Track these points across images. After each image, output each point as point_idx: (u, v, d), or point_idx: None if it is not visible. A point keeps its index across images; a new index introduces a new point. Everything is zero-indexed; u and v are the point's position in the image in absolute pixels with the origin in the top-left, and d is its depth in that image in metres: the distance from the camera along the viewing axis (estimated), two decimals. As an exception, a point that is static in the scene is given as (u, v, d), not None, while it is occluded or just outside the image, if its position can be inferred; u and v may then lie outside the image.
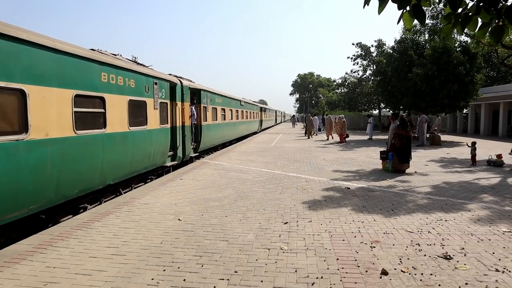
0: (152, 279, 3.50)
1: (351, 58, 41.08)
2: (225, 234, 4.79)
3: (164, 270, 3.69)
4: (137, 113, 8.34)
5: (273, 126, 54.08)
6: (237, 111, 22.39)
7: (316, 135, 27.76)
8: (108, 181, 7.18)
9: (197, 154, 13.66)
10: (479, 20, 3.30)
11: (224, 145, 19.50)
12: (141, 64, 9.60)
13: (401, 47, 23.02)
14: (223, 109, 18.06)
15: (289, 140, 23.20)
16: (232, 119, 20.58)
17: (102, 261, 3.95)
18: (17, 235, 5.29)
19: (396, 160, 9.87)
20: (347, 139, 21.50)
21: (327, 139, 23.54)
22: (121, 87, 7.60)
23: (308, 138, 24.87)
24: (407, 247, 4.29)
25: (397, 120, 10.37)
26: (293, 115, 63.29)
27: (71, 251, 4.25)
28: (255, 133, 31.99)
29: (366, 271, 3.62)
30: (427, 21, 22.19)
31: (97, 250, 4.26)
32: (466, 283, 3.35)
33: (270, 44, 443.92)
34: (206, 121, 14.28)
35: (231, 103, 20.30)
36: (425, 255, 4.02)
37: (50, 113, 5.47)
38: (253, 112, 31.06)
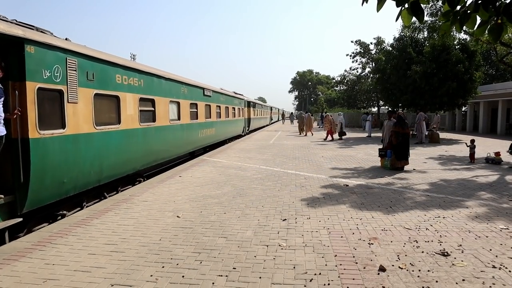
0: (151, 275, 3.51)
1: (350, 56, 41.02)
2: (224, 231, 4.80)
3: (163, 267, 3.71)
4: None
5: (267, 125, 45.51)
6: (195, 105, 13.13)
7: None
8: None
9: (22, 219, 5.17)
10: (478, 18, 3.30)
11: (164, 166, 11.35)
12: None
13: (400, 44, 23.05)
14: (151, 101, 9.28)
15: (288, 137, 23.21)
16: (179, 119, 11.18)
17: (101, 258, 3.96)
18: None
19: (394, 157, 9.91)
20: (344, 137, 21.67)
21: (305, 134, 25.29)
22: None
23: (300, 134, 25.88)
24: (405, 244, 4.31)
25: (394, 117, 10.42)
26: (291, 113, 63.30)
27: (70, 248, 4.26)
28: (238, 136, 24.11)
29: (364, 268, 3.64)
30: (426, 18, 22.22)
31: (96, 247, 4.27)
32: (463, 280, 3.38)
33: (269, 42, 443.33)
34: (62, 127, 5.87)
35: (174, 90, 10.82)
36: (422, 252, 4.04)
37: None
38: (234, 108, 21.72)
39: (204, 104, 14.50)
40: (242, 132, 25.46)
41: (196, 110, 13.29)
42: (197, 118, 13.35)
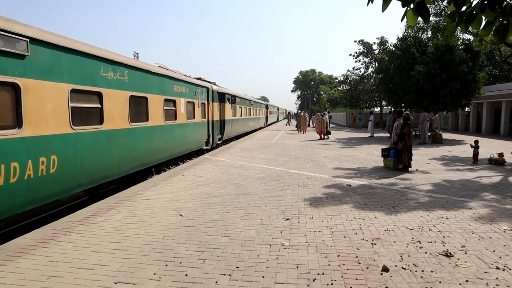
0: (154, 274, 3.52)
1: (353, 56, 40.92)
2: (227, 230, 4.81)
3: (166, 265, 3.71)
4: None
5: (262, 128, 36.21)
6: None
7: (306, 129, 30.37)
8: None
9: None
10: (483, 18, 3.29)
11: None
12: None
13: (404, 44, 22.93)
14: None
15: (290, 137, 23.20)
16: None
17: (105, 255, 3.97)
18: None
19: (407, 156, 9.84)
20: (329, 136, 21.85)
21: (299, 132, 26.88)
22: None
23: (299, 132, 27.01)
24: (408, 244, 4.30)
25: (400, 118, 10.38)
26: (292, 112, 63.30)
27: (74, 245, 4.28)
28: (199, 151, 14.23)
29: (367, 268, 3.64)
30: (430, 18, 22.06)
31: (99, 245, 4.28)
32: (467, 281, 3.37)
33: (272, 41, 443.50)
34: None
35: None
36: (426, 252, 4.03)
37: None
38: (175, 102, 10.79)
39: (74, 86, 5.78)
40: (206, 145, 14.73)
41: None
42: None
